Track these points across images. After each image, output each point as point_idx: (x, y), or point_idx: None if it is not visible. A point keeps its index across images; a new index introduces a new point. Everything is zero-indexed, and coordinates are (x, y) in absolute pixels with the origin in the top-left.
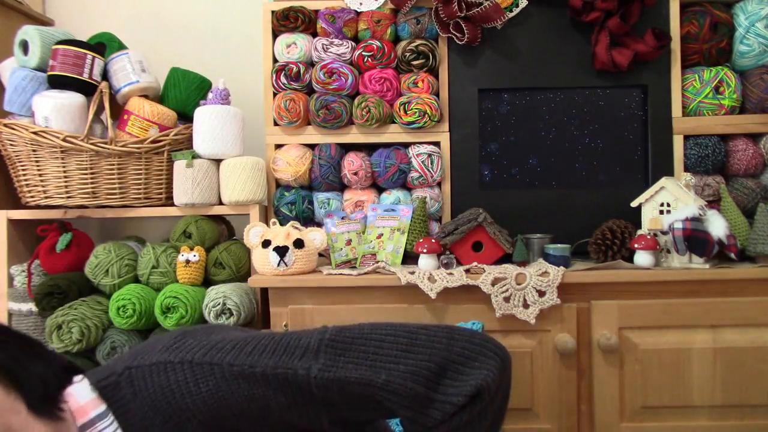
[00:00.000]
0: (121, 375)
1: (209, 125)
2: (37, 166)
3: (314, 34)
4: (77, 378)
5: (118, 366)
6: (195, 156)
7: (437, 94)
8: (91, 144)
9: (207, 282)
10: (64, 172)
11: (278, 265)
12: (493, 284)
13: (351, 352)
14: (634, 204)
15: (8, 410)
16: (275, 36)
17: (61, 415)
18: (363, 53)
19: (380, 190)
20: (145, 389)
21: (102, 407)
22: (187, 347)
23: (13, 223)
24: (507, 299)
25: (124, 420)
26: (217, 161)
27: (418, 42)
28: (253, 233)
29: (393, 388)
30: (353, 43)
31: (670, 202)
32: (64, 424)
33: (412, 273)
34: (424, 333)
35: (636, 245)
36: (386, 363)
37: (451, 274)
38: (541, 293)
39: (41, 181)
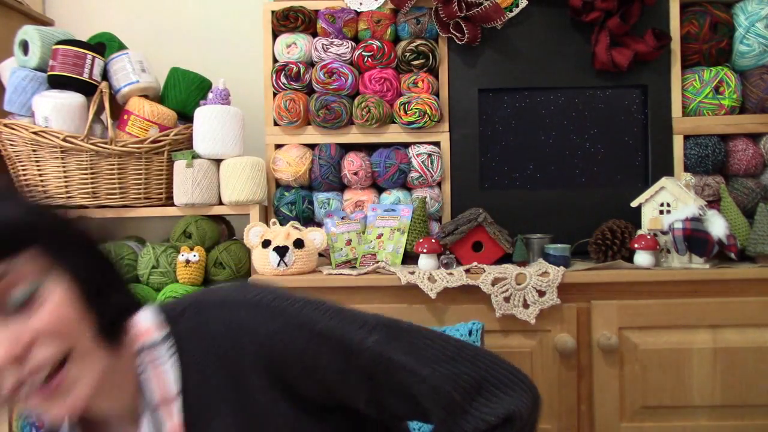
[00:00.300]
0: (188, 307)
1: (209, 125)
2: (37, 166)
3: (314, 34)
4: (144, 307)
5: (185, 300)
6: (195, 156)
7: (437, 94)
8: (91, 144)
9: (207, 282)
10: (64, 172)
11: (278, 265)
12: (493, 284)
13: (402, 340)
14: (634, 204)
15: (77, 334)
16: (275, 36)
17: (123, 341)
18: (363, 53)
19: (380, 190)
20: (207, 323)
21: (163, 333)
22: (255, 292)
23: None
24: (507, 299)
25: (180, 349)
26: (217, 161)
27: (418, 42)
28: (253, 233)
29: (433, 385)
30: (353, 43)
31: (670, 202)
32: (123, 349)
33: (412, 273)
34: (469, 349)
35: (636, 245)
36: (432, 362)
37: (451, 274)
38: (541, 293)
39: (41, 181)
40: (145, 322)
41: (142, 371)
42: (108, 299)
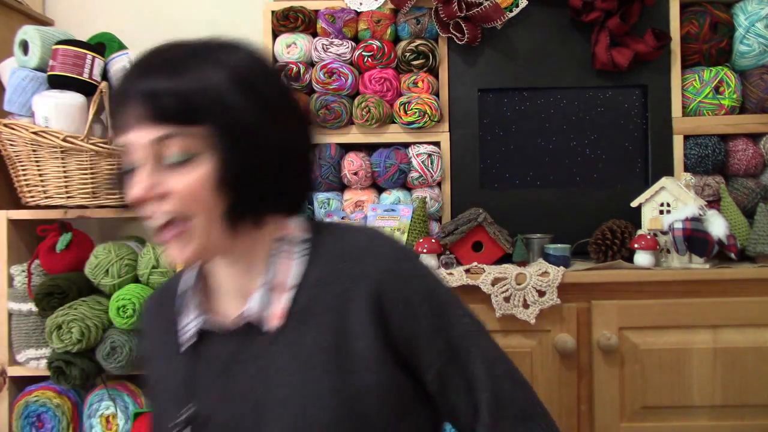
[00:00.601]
0: (333, 225)
1: None
2: (37, 166)
3: (314, 34)
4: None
5: (332, 221)
6: None
7: (437, 94)
8: (91, 144)
9: None
10: (64, 172)
11: None
12: (493, 284)
13: (489, 341)
14: (634, 204)
15: (201, 209)
16: (275, 36)
17: (251, 229)
18: (363, 53)
19: (380, 190)
20: (345, 239)
21: (304, 236)
22: (390, 236)
23: (13, 223)
24: (507, 299)
25: (313, 254)
26: None
27: (418, 42)
28: None
29: (499, 387)
30: (353, 43)
31: (670, 202)
32: (256, 234)
33: None
34: (530, 387)
35: (636, 245)
36: (504, 371)
37: (451, 274)
38: (541, 293)
39: (41, 181)
40: (293, 222)
41: (274, 255)
42: (246, 195)
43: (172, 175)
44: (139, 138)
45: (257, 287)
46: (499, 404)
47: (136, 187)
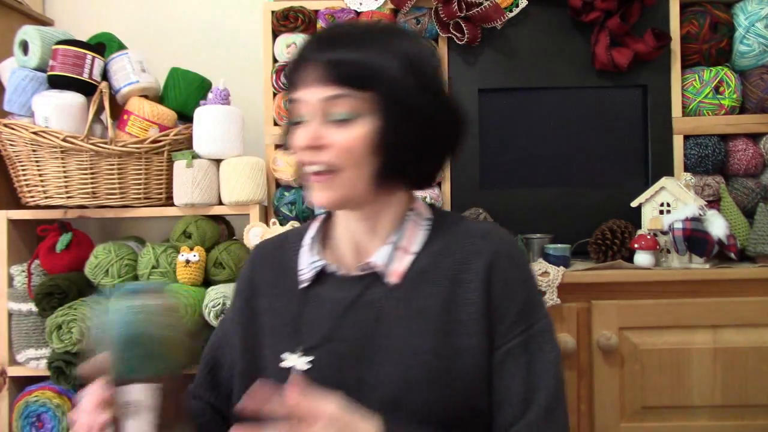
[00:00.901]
0: (451, 212)
1: (209, 125)
2: (37, 166)
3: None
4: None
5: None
6: (195, 156)
7: None
8: (91, 144)
9: (207, 282)
10: (64, 172)
11: None
12: None
13: (558, 348)
14: (634, 204)
15: (352, 164)
16: (275, 36)
17: (391, 192)
18: None
19: None
20: (465, 224)
21: (429, 215)
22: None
23: (13, 223)
24: None
25: (435, 230)
26: (217, 161)
27: None
28: (253, 233)
29: (555, 383)
30: None
31: (670, 202)
32: (394, 198)
33: None
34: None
35: (636, 245)
36: (561, 375)
37: None
38: (541, 293)
39: (41, 181)
40: (421, 201)
41: (405, 221)
42: (394, 160)
43: (335, 131)
44: (314, 95)
45: (380, 244)
46: (555, 397)
47: (302, 136)
